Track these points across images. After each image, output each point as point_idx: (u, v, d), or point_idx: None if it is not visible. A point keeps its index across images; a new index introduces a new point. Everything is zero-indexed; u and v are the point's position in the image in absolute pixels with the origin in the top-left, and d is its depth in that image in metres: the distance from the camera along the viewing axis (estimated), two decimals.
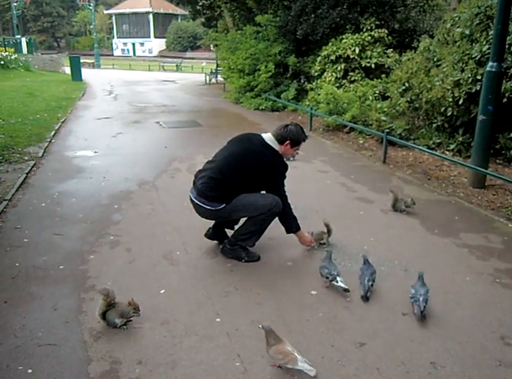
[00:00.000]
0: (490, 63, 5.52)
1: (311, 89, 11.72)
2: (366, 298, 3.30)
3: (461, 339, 2.88)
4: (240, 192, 3.65)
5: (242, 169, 3.61)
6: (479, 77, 6.57)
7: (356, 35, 11.17)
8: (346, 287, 3.34)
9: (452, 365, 2.64)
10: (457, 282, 3.61)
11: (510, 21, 5.82)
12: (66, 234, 4.36)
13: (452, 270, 3.80)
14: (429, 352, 2.76)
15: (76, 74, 20.97)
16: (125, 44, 55.53)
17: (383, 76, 10.10)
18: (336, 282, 3.35)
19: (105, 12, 57.21)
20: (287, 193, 3.82)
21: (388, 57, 10.76)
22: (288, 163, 3.84)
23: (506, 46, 6.01)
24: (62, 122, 10.28)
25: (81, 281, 3.50)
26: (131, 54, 54.17)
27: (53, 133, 8.99)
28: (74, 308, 3.15)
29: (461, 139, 7.29)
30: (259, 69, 13.08)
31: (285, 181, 3.84)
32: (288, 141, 3.68)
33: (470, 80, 6.75)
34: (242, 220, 3.90)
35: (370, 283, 3.33)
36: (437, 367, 2.63)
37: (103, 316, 2.89)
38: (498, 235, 4.53)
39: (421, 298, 3.08)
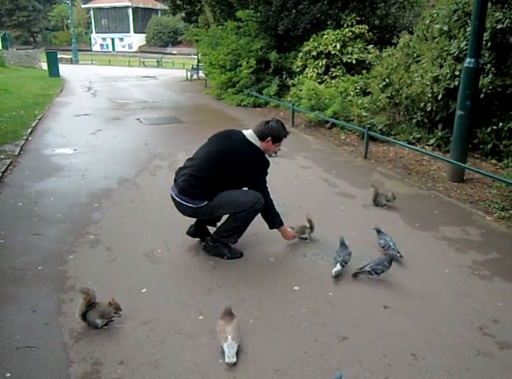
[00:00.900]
0: (467, 59, 5.59)
1: (293, 85, 11.73)
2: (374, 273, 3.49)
3: (441, 331, 2.93)
4: (222, 189, 3.64)
5: (223, 166, 3.60)
6: (457, 73, 6.66)
7: (337, 30, 11.22)
8: (334, 274, 3.52)
9: (432, 357, 2.69)
10: (436, 274, 3.67)
11: (487, 18, 5.92)
12: (45, 234, 4.28)
13: (432, 262, 3.85)
14: (410, 344, 2.79)
15: (53, 70, 20.62)
16: (104, 39, 54.85)
17: (364, 71, 10.16)
18: (334, 267, 3.54)
19: (83, 6, 56.37)
20: (269, 189, 3.82)
21: (369, 53, 10.82)
22: (270, 159, 3.83)
23: (484, 43, 6.11)
24: (39, 119, 10.09)
25: (61, 282, 3.44)
26: (110, 49, 53.54)
27: (30, 130, 8.81)
28: (54, 309, 3.09)
29: (440, 134, 7.38)
30: (241, 65, 13.03)
31: (267, 177, 3.83)
32: (269, 138, 3.68)
33: (449, 75, 6.84)
34: (225, 217, 3.89)
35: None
36: (417, 358, 2.67)
37: (84, 316, 2.85)
38: (477, 228, 4.61)
39: (391, 243, 3.86)
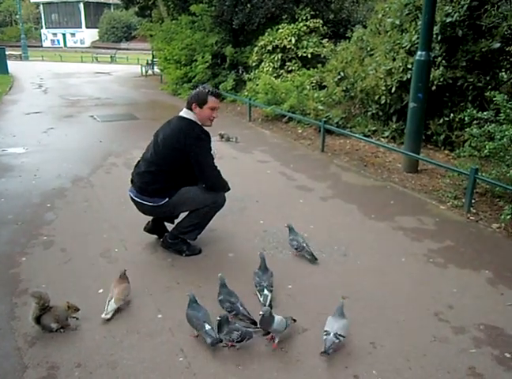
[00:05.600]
0: (419, 52, 5.72)
1: (249, 80, 11.71)
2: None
3: (398, 318, 2.99)
4: (178, 180, 3.60)
5: (169, 151, 3.56)
6: (409, 66, 6.80)
7: (292, 25, 11.27)
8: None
9: (391, 344, 2.74)
10: (393, 263, 3.75)
11: (437, 12, 6.07)
12: None
13: (388, 252, 3.94)
14: (369, 333, 2.84)
15: (1, 67, 19.77)
16: (55, 35, 52.94)
17: (319, 65, 10.24)
18: (261, 296, 3.16)
19: (32, 0, 54.19)
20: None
21: (323, 47, 10.93)
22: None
23: (434, 36, 6.27)
24: None
25: (13, 285, 3.31)
26: (62, 45, 51.74)
27: None
28: (6, 314, 2.97)
29: (394, 126, 7.54)
30: (196, 60, 12.89)
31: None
32: (193, 103, 3.64)
33: (401, 68, 6.99)
34: (183, 214, 3.83)
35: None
36: (376, 347, 2.72)
37: (37, 320, 2.74)
38: (431, 217, 4.75)
39: (304, 244, 3.71)
